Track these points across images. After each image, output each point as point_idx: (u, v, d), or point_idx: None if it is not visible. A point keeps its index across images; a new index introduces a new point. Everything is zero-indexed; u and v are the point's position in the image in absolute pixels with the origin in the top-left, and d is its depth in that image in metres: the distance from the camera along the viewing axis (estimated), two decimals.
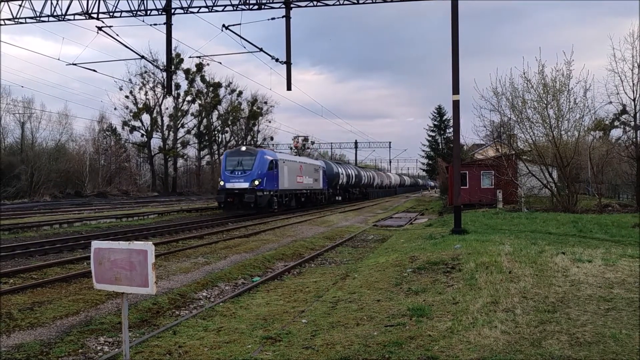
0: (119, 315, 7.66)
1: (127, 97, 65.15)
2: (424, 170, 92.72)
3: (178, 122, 66.73)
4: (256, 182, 28.39)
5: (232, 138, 73.36)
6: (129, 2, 21.00)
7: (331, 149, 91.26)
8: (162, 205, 38.70)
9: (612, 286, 7.99)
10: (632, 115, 33.52)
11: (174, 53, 50.50)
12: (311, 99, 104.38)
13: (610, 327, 6.07)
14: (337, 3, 19.99)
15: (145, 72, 63.16)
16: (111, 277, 5.31)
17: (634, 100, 25.95)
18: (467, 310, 7.05)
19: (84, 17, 21.25)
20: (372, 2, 19.94)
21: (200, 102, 67.22)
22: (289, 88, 20.90)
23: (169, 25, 21.28)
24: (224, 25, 20.36)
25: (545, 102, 26.26)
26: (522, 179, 29.19)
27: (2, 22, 21.92)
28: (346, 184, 49.78)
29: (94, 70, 23.72)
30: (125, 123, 64.74)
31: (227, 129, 71.64)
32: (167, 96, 62.73)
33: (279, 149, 67.19)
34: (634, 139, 28.56)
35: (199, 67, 63.66)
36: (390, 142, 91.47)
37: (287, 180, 32.76)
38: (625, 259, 10.14)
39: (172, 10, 21.01)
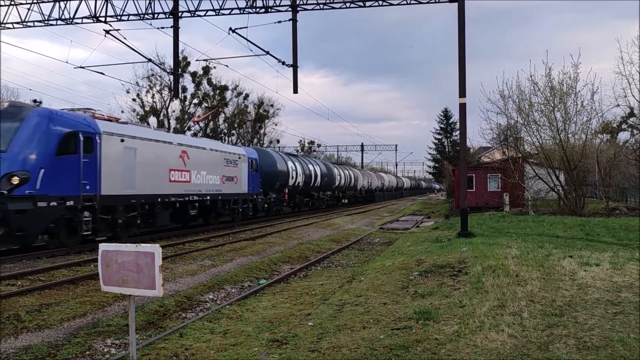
0: (126, 317, 7.69)
1: (134, 100, 65.38)
2: (430, 173, 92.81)
3: (185, 124, 67.00)
4: (15, 180, 13.14)
5: (239, 141, 73.60)
6: (137, 5, 21.11)
7: (337, 151, 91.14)
8: None
9: (619, 290, 7.95)
10: (639, 118, 33.38)
11: (180, 56, 50.67)
12: (317, 102, 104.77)
13: (618, 331, 6.04)
14: (344, 6, 20.02)
15: (152, 75, 63.34)
16: (118, 279, 5.33)
17: None
18: (473, 313, 7.02)
19: (92, 21, 21.36)
20: (378, 5, 19.95)
21: (206, 105, 67.38)
22: (295, 91, 20.93)
23: (176, 28, 21.37)
24: (230, 29, 20.43)
25: (552, 105, 26.18)
26: (529, 182, 29.08)
27: (11, 26, 22.05)
28: (304, 186, 35.35)
29: (102, 73, 23.84)
30: None
31: (233, 132, 71.80)
32: (174, 99, 62.89)
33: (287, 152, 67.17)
34: None
35: (206, 70, 63.87)
36: (396, 145, 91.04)
37: (138, 178, 17.31)
38: (633, 262, 10.09)
39: (179, 14, 21.09)
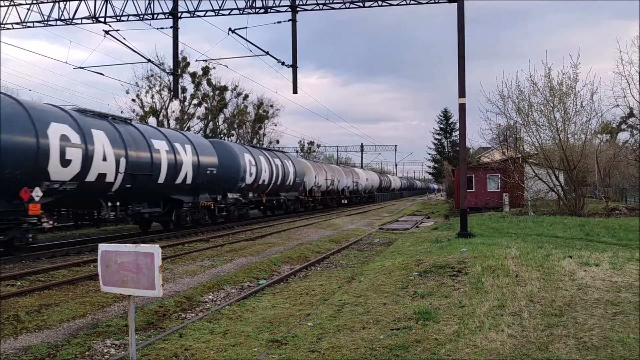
0: (126, 317, 7.69)
1: (133, 100, 65.38)
2: (430, 173, 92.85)
3: (184, 125, 67.01)
4: None
5: (238, 141, 73.68)
6: (136, 6, 21.12)
7: (337, 152, 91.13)
8: None
9: (619, 290, 7.96)
10: (639, 118, 33.43)
11: (180, 56, 50.68)
12: (316, 102, 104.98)
13: (618, 331, 6.04)
14: (343, 6, 20.02)
15: (152, 75, 63.30)
16: (118, 279, 5.33)
17: None
18: (473, 313, 7.03)
19: (92, 21, 21.36)
20: (378, 5, 19.96)
21: (206, 105, 67.36)
22: (295, 91, 20.93)
23: (175, 29, 21.36)
24: (230, 29, 20.46)
25: (552, 105, 26.23)
26: (529, 183, 29.10)
27: (11, 26, 22.05)
28: (136, 184, 17.29)
29: (101, 74, 23.82)
30: None
31: (233, 132, 71.84)
32: (174, 99, 62.88)
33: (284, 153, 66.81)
34: None
35: (205, 70, 63.88)
36: (396, 146, 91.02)
37: None
38: (633, 262, 10.09)
39: (179, 14, 21.10)
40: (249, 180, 25.64)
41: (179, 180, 19.76)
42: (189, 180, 20.35)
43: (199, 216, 21.78)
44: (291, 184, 31.94)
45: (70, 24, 21.70)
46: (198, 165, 20.89)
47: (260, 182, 27.03)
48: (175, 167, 19.34)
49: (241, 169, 24.73)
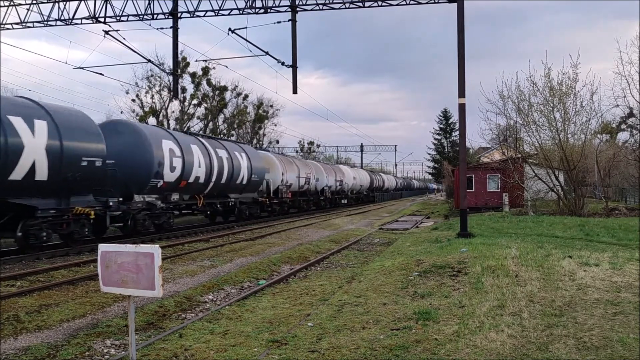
0: (126, 318, 7.69)
1: (133, 100, 65.36)
2: (429, 173, 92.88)
3: (184, 125, 67.01)
4: None
5: (238, 141, 73.61)
6: (136, 6, 21.12)
7: (337, 152, 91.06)
8: None
9: (619, 290, 7.96)
10: (639, 118, 33.46)
11: (180, 57, 50.63)
12: (316, 102, 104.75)
13: (618, 331, 6.04)
14: (343, 6, 20.02)
15: (152, 75, 63.27)
16: (118, 280, 5.33)
17: None
18: (473, 313, 7.03)
19: (91, 21, 21.37)
20: (377, 6, 19.96)
21: (206, 105, 67.36)
22: (294, 91, 20.93)
23: (175, 29, 21.37)
24: (230, 29, 20.47)
25: (552, 105, 26.24)
26: (529, 183, 29.10)
27: (10, 26, 22.05)
28: None
29: (101, 74, 23.81)
30: None
31: (233, 132, 71.86)
32: (174, 100, 62.85)
33: (285, 153, 66.77)
34: None
35: (205, 70, 63.86)
36: (395, 146, 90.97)
37: None
38: (633, 262, 10.10)
39: (179, 14, 21.10)
40: (170, 176, 19.10)
41: (16, 176, 13.04)
42: (42, 176, 13.68)
43: (73, 228, 15.07)
44: (244, 182, 24.92)
45: (70, 24, 21.71)
46: (61, 153, 14.17)
47: (191, 180, 20.54)
48: (6, 154, 12.76)
49: (155, 160, 18.21)
